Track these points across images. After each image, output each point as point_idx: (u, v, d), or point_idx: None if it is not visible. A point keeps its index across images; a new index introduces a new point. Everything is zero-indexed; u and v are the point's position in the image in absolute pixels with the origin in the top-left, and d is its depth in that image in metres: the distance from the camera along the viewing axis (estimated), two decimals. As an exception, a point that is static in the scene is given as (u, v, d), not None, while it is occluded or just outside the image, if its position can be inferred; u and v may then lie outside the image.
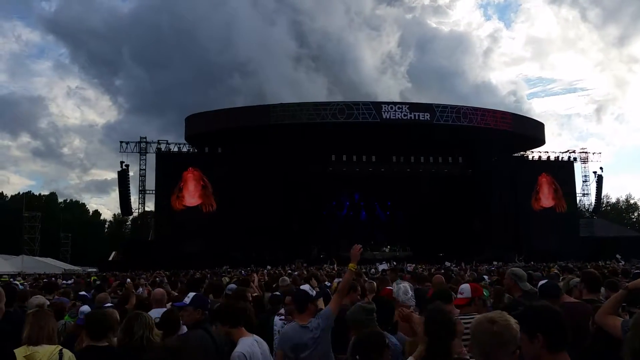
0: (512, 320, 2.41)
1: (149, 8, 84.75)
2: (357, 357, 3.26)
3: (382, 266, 16.29)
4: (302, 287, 5.34)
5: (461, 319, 4.20)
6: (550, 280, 6.02)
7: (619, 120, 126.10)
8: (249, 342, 4.10)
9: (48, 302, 6.28)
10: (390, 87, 68.87)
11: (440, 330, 3.34)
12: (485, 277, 11.50)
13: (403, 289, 5.12)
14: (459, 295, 4.84)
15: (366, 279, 10.22)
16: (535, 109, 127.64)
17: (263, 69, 59.67)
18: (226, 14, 66.13)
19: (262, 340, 4.34)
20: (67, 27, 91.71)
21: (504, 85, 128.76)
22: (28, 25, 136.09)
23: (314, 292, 4.89)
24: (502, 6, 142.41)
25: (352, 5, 73.78)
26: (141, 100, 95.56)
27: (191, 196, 40.20)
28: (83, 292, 8.45)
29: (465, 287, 4.85)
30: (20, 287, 10.19)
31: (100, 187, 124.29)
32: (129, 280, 13.06)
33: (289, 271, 17.76)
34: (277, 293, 7.22)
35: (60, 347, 3.87)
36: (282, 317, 5.75)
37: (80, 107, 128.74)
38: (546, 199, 44.73)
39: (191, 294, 4.66)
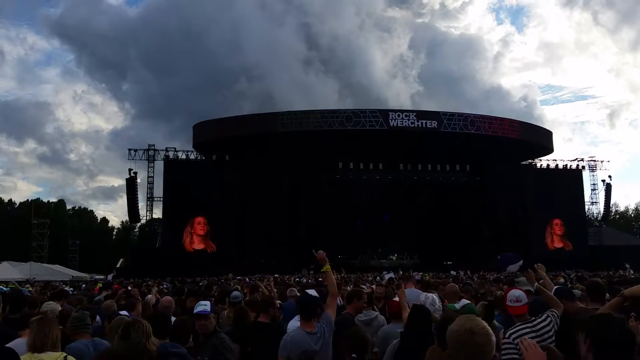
0: (488, 327, 2.41)
1: (156, 11, 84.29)
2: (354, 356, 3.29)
3: (389, 275, 16.21)
4: (308, 291, 5.30)
5: (526, 327, 4.21)
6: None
7: (633, 126, 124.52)
8: None
9: (60, 309, 6.30)
10: (401, 91, 68.44)
11: None
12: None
13: (431, 299, 5.02)
14: (516, 304, 4.49)
15: (372, 286, 10.21)
16: (547, 114, 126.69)
17: (272, 73, 59.20)
18: (233, 16, 65.53)
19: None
20: (73, 31, 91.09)
21: (516, 90, 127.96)
22: (33, 29, 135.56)
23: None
24: (515, 10, 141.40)
25: (362, 7, 73.18)
26: (148, 105, 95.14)
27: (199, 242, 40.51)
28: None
29: (520, 294, 4.58)
30: (27, 293, 10.25)
31: (108, 194, 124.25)
32: (130, 287, 13.06)
33: (297, 279, 17.74)
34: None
35: (65, 354, 3.89)
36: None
37: (86, 113, 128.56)
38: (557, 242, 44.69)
39: (206, 302, 4.71)
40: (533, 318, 4.34)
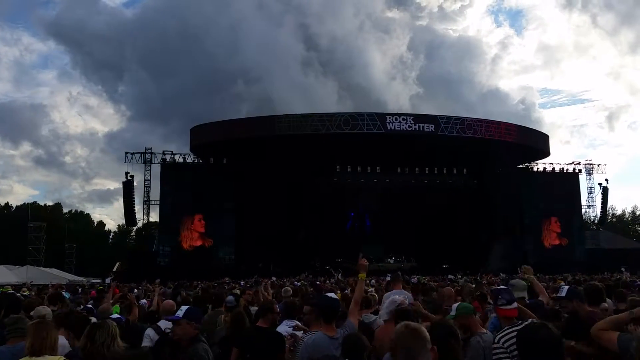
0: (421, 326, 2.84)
1: (153, 12, 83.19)
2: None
3: (388, 278, 16.18)
4: (327, 294, 5.20)
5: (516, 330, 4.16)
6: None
7: (632, 128, 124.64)
8: None
9: (51, 313, 6.29)
10: (400, 93, 68.18)
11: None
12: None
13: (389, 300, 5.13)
14: (507, 306, 4.43)
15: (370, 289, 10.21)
16: (546, 117, 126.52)
17: (270, 74, 58.66)
18: (231, 17, 64.95)
19: None
20: (68, 32, 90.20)
21: (515, 92, 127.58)
22: (28, 30, 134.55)
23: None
24: (514, 12, 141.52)
25: (361, 8, 72.81)
26: (144, 107, 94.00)
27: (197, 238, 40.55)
28: (90, 305, 8.51)
29: (513, 296, 4.56)
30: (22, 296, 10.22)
31: (103, 197, 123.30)
32: (135, 290, 13.04)
33: (296, 283, 17.72)
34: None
35: (62, 357, 3.88)
36: (292, 326, 5.62)
37: (82, 115, 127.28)
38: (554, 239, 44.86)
39: (184, 307, 4.59)
40: (520, 322, 4.26)
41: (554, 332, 2.95)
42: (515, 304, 4.41)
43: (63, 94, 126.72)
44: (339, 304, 4.57)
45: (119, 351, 3.77)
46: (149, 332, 5.79)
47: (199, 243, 40.12)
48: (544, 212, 44.41)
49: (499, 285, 10.99)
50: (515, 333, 4.03)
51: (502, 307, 4.40)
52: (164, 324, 5.81)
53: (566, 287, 5.22)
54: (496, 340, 4.10)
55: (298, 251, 39.18)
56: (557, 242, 44.20)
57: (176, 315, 4.49)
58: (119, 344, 3.84)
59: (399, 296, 5.65)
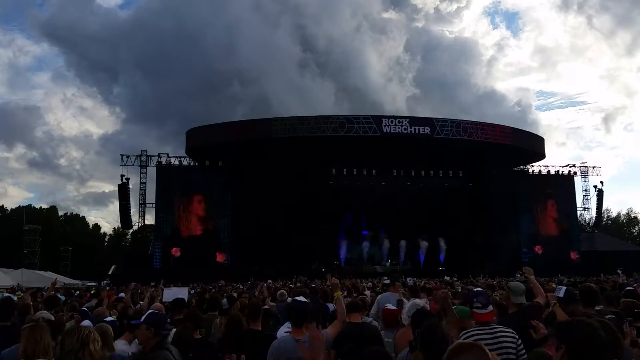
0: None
1: (148, 13, 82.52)
2: None
3: (386, 281, 16.18)
4: (297, 298, 5.24)
5: (482, 330, 4.17)
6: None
7: (628, 130, 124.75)
8: None
9: (53, 318, 6.24)
10: (396, 95, 68.29)
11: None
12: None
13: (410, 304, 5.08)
14: (481, 310, 4.34)
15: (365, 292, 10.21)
16: (542, 119, 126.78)
17: (266, 76, 58.56)
18: (227, 18, 64.78)
19: None
20: (63, 33, 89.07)
21: (511, 94, 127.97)
22: (22, 31, 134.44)
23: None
24: (510, 14, 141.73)
25: (358, 9, 72.76)
26: (139, 109, 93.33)
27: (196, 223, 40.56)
28: (85, 308, 8.45)
29: (488, 300, 4.49)
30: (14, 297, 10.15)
31: (98, 200, 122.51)
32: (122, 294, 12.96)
33: (291, 286, 17.71)
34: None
35: (56, 361, 3.85)
36: (289, 330, 5.61)
37: (76, 117, 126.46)
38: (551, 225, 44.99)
39: (148, 312, 4.53)
40: (494, 325, 4.18)
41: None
42: (490, 308, 4.28)
43: (57, 96, 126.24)
44: (307, 307, 4.61)
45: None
46: None
47: (199, 230, 39.93)
48: (539, 214, 44.57)
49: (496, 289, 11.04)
50: (481, 333, 4.02)
51: (476, 311, 4.29)
52: None
53: (564, 288, 5.21)
54: (460, 337, 4.02)
55: (294, 254, 39.11)
56: (554, 231, 44.04)
57: (136, 320, 4.43)
58: (93, 351, 3.40)
59: (419, 300, 5.62)
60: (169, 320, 4.90)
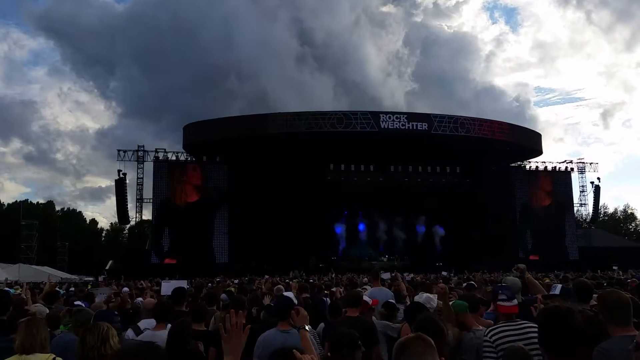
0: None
1: (145, 6, 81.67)
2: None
3: (385, 275, 16.17)
4: (285, 293, 5.33)
5: (509, 326, 4.14)
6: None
7: (626, 126, 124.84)
8: None
9: (47, 311, 6.24)
10: (395, 90, 68.04)
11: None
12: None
13: (424, 297, 5.14)
14: (506, 302, 4.34)
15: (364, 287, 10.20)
16: (541, 115, 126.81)
17: (264, 70, 58.11)
18: (224, 11, 64.26)
19: None
20: (59, 26, 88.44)
21: (510, 89, 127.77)
22: (18, 25, 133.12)
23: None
24: (509, 9, 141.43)
25: (356, 2, 72.15)
26: (136, 103, 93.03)
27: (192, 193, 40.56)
28: (78, 302, 8.43)
29: (513, 292, 4.50)
30: (12, 291, 10.16)
31: (95, 195, 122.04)
32: (126, 289, 12.96)
33: (287, 281, 17.69)
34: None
35: (53, 355, 3.85)
36: None
37: (73, 112, 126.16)
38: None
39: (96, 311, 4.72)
40: (519, 320, 4.19)
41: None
42: (515, 301, 4.31)
43: (54, 90, 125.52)
44: (291, 302, 4.82)
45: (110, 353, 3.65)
46: (129, 332, 5.58)
47: (194, 198, 39.99)
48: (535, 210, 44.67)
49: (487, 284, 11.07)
50: (509, 330, 4.04)
51: (502, 304, 4.31)
52: (143, 325, 5.70)
53: (559, 286, 5.23)
54: (485, 334, 4.08)
55: (292, 249, 39.15)
56: (551, 227, 44.17)
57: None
58: (112, 345, 3.63)
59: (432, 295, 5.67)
60: (116, 313, 5.00)
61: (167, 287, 9.56)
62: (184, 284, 9.81)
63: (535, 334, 3.83)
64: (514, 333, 3.97)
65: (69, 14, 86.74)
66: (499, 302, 4.35)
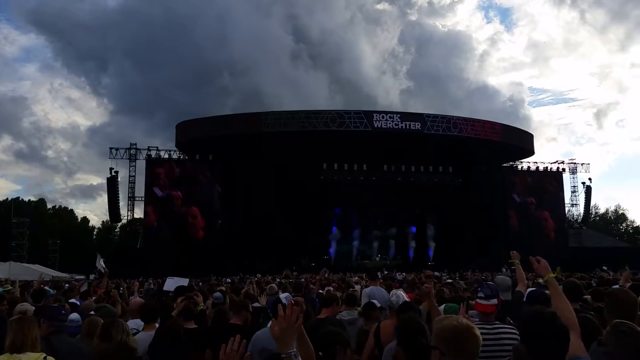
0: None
1: (138, 1, 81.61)
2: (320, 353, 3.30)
3: (400, 276, 16.15)
4: (280, 295, 5.35)
5: (483, 327, 4.11)
6: (538, 288, 6.05)
7: (620, 126, 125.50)
8: None
9: (33, 309, 6.23)
10: (389, 88, 67.97)
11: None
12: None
13: (395, 296, 5.18)
14: (484, 301, 4.31)
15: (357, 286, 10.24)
16: (535, 114, 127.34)
17: (258, 67, 57.72)
18: (219, 7, 63.91)
19: None
20: (50, 20, 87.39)
21: (504, 89, 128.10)
22: (8, 21, 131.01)
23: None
24: (504, 8, 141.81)
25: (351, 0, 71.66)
26: (128, 100, 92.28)
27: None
28: (73, 300, 8.41)
29: (493, 291, 4.43)
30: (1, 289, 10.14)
31: (86, 192, 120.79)
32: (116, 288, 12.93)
33: (278, 280, 17.69)
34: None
35: (44, 354, 3.85)
36: None
37: (64, 108, 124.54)
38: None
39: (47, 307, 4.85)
40: (497, 322, 4.13)
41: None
42: (494, 300, 4.23)
43: (44, 86, 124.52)
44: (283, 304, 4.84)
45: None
46: None
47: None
48: (528, 210, 44.82)
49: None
50: (483, 331, 3.99)
51: (479, 301, 4.28)
52: (131, 325, 5.71)
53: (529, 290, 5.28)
54: None
55: (284, 248, 39.15)
56: (543, 227, 44.35)
57: None
58: (134, 340, 3.76)
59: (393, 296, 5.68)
60: (63, 312, 5.03)
61: (171, 283, 9.59)
62: (186, 282, 9.84)
63: (510, 340, 3.86)
64: (487, 337, 3.73)
65: (60, 9, 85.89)
66: (477, 300, 4.35)
